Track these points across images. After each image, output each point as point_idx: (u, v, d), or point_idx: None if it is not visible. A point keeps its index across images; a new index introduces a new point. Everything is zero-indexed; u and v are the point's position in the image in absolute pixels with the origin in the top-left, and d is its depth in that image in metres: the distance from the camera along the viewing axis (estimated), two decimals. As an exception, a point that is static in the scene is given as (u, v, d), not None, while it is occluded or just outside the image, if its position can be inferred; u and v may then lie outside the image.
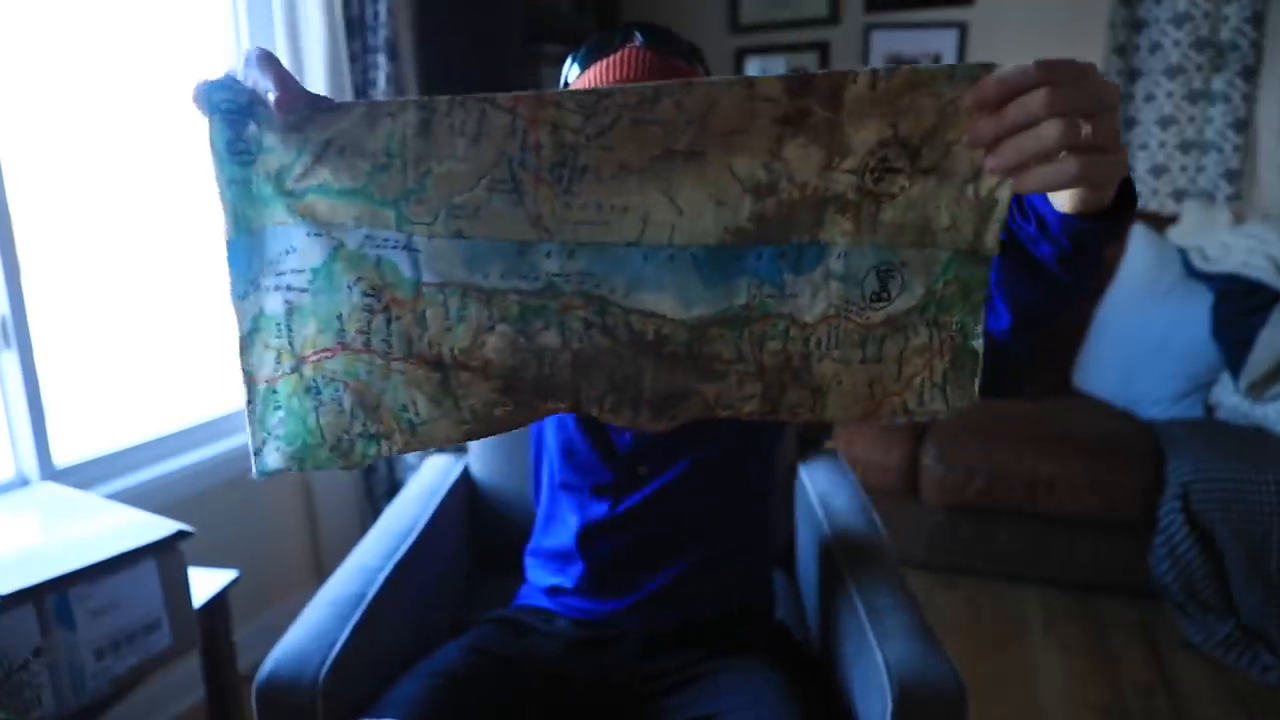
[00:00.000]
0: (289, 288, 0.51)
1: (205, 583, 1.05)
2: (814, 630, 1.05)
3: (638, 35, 0.75)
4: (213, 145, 0.49)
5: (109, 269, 1.51)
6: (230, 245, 0.50)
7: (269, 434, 0.52)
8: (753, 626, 0.94)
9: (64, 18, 1.40)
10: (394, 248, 0.50)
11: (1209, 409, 2.03)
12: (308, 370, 0.52)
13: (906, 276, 0.53)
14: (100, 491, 1.36)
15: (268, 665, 0.79)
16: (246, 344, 0.52)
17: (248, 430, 0.53)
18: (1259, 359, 1.89)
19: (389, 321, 0.51)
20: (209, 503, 1.55)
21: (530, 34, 2.36)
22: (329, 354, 0.51)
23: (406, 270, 0.51)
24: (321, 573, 1.87)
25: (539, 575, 0.98)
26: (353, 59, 1.79)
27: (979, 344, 0.55)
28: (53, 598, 0.82)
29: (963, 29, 2.57)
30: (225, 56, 1.70)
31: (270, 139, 0.49)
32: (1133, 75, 2.38)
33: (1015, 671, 1.67)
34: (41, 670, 0.81)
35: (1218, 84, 2.28)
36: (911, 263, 0.53)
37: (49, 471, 1.35)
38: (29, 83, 1.35)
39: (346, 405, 0.52)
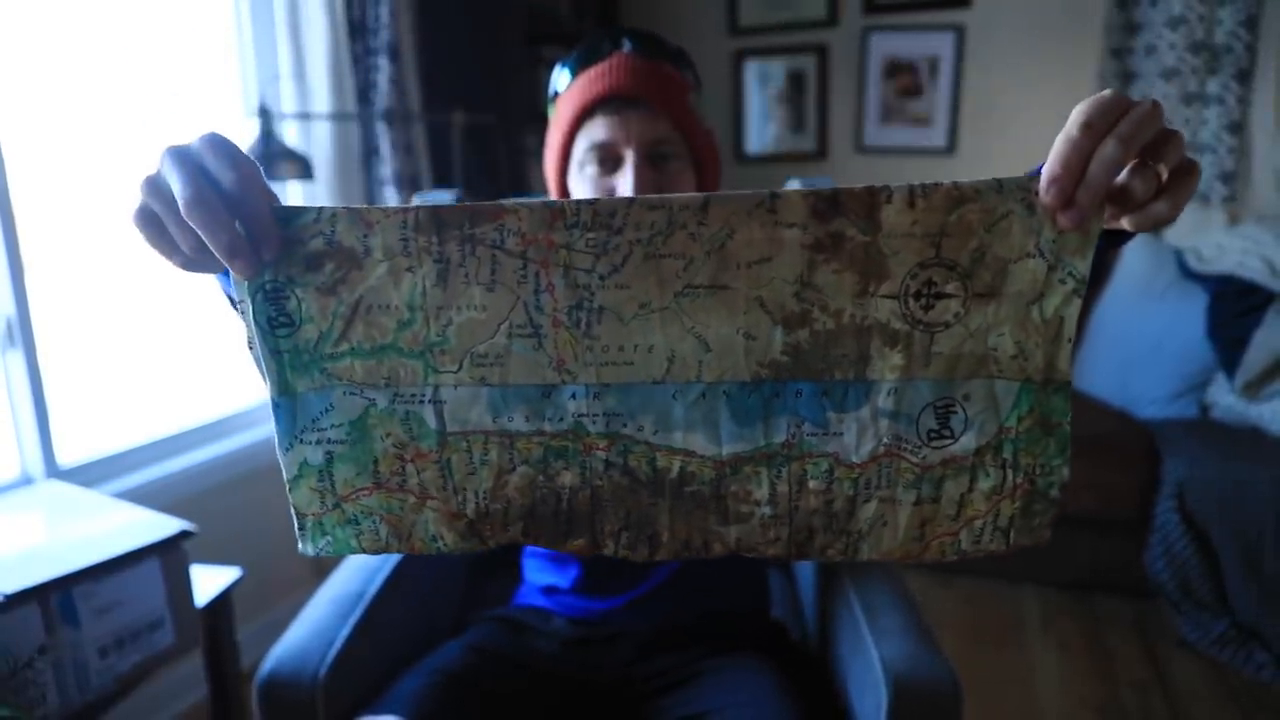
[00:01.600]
0: (329, 440, 0.54)
1: (208, 581, 1.05)
2: (811, 629, 1.06)
3: (626, 41, 0.76)
4: (255, 322, 0.51)
5: (113, 269, 1.52)
6: (275, 406, 0.53)
7: (319, 550, 0.58)
8: (748, 625, 0.94)
9: (67, 19, 1.41)
10: (421, 402, 0.53)
11: (1204, 409, 2.04)
12: (347, 507, 0.56)
13: (970, 412, 0.49)
14: (104, 490, 1.37)
15: (268, 663, 0.80)
16: (294, 486, 0.55)
17: (299, 544, 0.58)
18: (1254, 359, 1.90)
19: (419, 471, 0.55)
20: (212, 501, 1.56)
21: (531, 37, 2.37)
22: (366, 492, 0.55)
23: (432, 423, 0.53)
24: (323, 571, 1.88)
25: (536, 575, 0.98)
26: (355, 61, 1.80)
27: (1058, 493, 0.50)
28: (57, 596, 0.82)
29: (960, 31, 2.58)
30: (228, 57, 1.71)
31: (310, 308, 0.51)
32: (1128, 78, 2.39)
33: (1012, 670, 1.67)
34: (46, 668, 0.82)
35: (1212, 87, 2.29)
36: (975, 396, 0.49)
37: (53, 470, 1.36)
38: (33, 83, 1.36)
39: (382, 535, 0.56)
